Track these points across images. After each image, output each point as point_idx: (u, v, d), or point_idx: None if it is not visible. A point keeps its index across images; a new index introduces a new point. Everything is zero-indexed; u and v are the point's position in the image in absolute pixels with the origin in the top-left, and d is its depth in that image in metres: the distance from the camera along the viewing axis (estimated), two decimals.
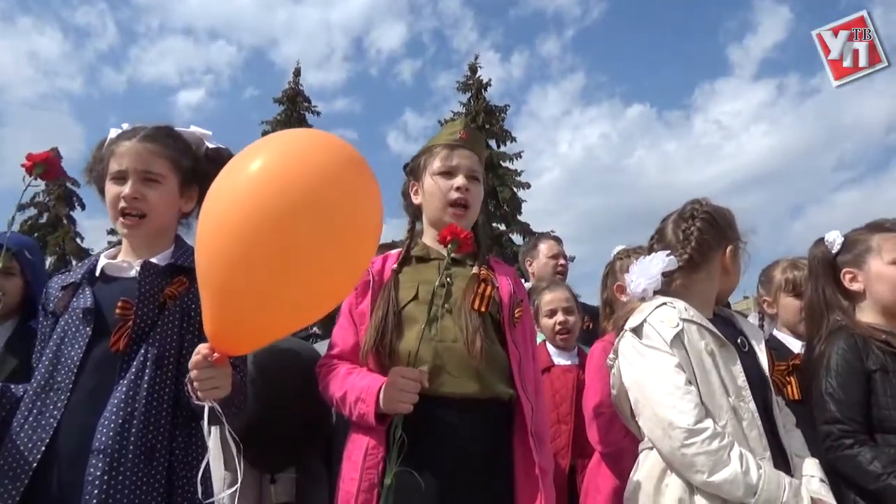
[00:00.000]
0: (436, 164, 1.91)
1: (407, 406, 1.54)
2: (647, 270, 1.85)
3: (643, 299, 1.88)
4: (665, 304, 1.80)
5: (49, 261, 21.74)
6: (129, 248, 1.76)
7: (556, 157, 44.93)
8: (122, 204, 1.67)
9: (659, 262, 1.85)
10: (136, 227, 1.69)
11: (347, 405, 1.67)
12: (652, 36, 54.10)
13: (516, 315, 1.80)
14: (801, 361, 2.23)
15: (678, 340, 1.71)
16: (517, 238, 24.91)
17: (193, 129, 1.84)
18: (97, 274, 1.69)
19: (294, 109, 26.98)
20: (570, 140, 46.42)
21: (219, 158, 1.75)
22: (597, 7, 49.94)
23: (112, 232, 26.60)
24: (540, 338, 3.10)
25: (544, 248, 3.97)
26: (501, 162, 25.59)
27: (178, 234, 1.82)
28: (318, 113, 27.79)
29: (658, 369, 1.69)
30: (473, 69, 26.78)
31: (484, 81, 26.44)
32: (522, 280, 3.35)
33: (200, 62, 45.43)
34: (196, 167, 1.79)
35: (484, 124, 25.54)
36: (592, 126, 47.63)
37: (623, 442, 2.15)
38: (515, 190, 25.39)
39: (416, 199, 1.98)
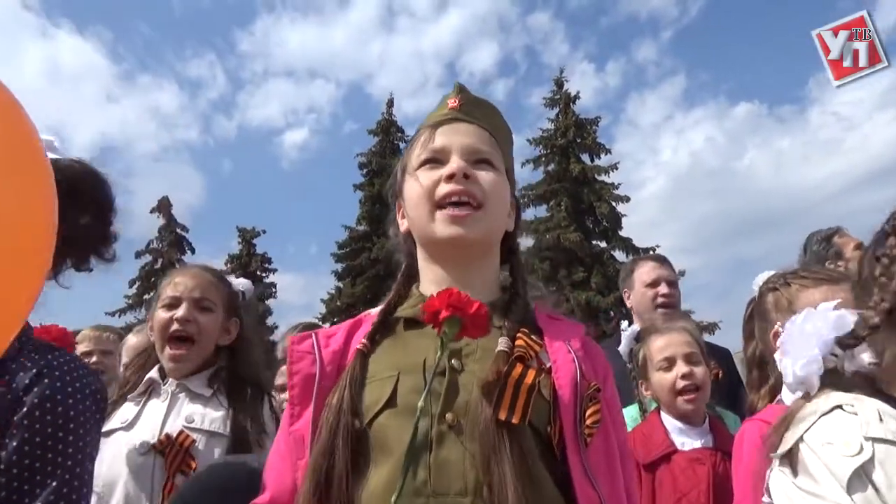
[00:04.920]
0: (415, 154, 1.14)
1: None
2: (811, 339, 1.06)
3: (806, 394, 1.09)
4: (839, 407, 1.00)
5: None
6: None
7: (658, 165, 43.04)
8: None
9: (828, 323, 1.06)
10: None
11: None
12: (757, 28, 50.28)
13: (588, 422, 0.94)
14: None
15: (863, 479, 0.90)
16: (620, 255, 23.48)
17: None
18: None
19: (388, 140, 27.31)
20: (673, 146, 44.33)
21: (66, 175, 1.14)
22: (695, 5, 47.25)
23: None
24: (650, 405, 2.20)
25: (640, 273, 3.01)
26: (596, 176, 24.34)
27: None
28: None
29: None
30: (559, 83, 25.85)
31: (572, 95, 25.41)
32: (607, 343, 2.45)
33: (303, 102, 47.66)
34: None
35: (575, 138, 24.51)
36: (697, 129, 45.36)
37: None
38: (614, 204, 24.01)
39: (402, 225, 1.20)
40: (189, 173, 44.64)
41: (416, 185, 1.09)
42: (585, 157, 24.88)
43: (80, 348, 2.96)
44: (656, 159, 43.44)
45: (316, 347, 1.05)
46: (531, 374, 0.91)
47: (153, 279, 24.63)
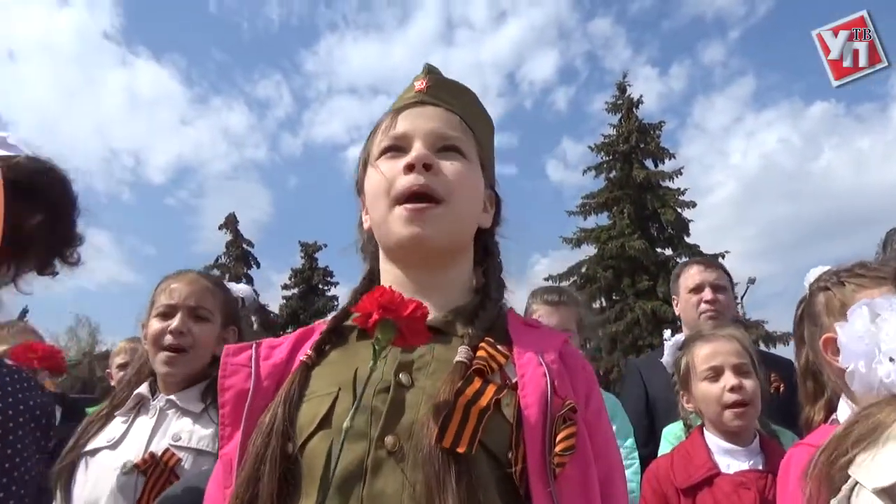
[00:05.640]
0: (375, 142, 1.01)
1: None
2: None
3: None
4: None
5: None
6: None
7: (728, 169, 41.49)
8: None
9: None
10: None
11: None
12: (832, 23, 47.99)
13: (558, 448, 0.77)
14: None
15: None
16: None
17: None
18: None
19: None
20: (743, 149, 42.57)
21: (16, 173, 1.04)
22: (763, 3, 45.33)
23: (285, 287, 28.80)
24: (695, 422, 1.99)
25: (685, 278, 2.75)
26: (661, 181, 23.56)
27: None
28: None
29: None
30: (622, 88, 25.25)
31: (634, 99, 24.78)
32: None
33: (365, 118, 49.08)
34: None
35: (638, 144, 23.84)
36: (769, 131, 43.62)
37: None
38: (679, 210, 23.15)
39: (366, 222, 1.06)
40: (257, 190, 46.37)
41: (376, 178, 0.96)
42: (649, 163, 24.17)
43: (117, 360, 3.00)
44: (725, 163, 41.93)
45: (254, 360, 0.92)
46: (488, 394, 0.77)
47: None
